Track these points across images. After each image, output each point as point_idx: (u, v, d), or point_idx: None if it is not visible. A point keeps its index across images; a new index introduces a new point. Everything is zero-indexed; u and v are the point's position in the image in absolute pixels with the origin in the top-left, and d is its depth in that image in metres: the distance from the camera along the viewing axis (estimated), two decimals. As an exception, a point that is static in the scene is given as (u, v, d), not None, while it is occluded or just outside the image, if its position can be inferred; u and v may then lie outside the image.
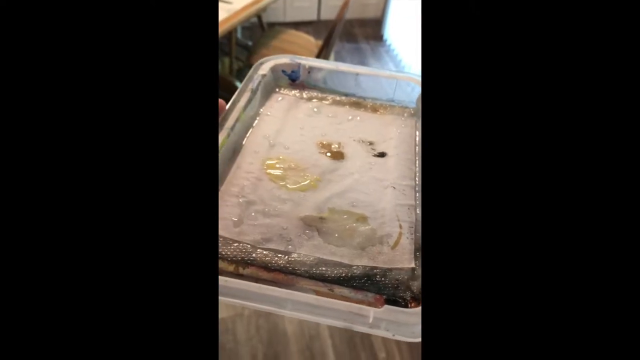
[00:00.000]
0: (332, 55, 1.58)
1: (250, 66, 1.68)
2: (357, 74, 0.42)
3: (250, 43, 1.90)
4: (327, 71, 0.42)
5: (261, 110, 0.40)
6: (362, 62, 2.13)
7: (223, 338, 1.13)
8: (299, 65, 0.42)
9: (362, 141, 0.38)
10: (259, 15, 1.75)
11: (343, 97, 0.42)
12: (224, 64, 1.87)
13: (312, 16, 2.53)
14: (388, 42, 2.42)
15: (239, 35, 2.03)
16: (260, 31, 1.84)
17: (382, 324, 0.22)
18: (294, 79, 0.43)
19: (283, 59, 0.42)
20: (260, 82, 0.40)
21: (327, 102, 0.42)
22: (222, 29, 1.30)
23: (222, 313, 1.17)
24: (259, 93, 0.40)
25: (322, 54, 1.45)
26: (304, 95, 0.42)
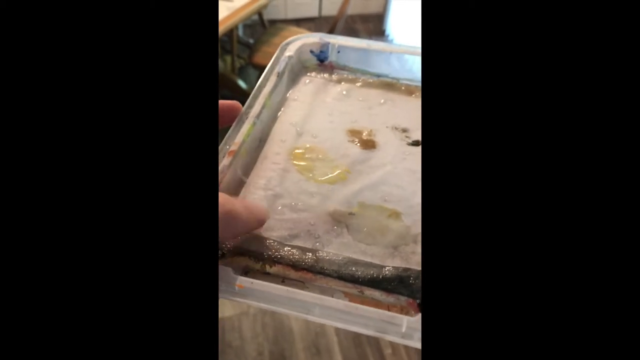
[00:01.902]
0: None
1: (252, 64, 1.67)
2: (390, 53, 0.39)
3: (251, 41, 1.90)
4: (357, 50, 0.39)
5: (288, 94, 0.38)
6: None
7: (229, 336, 1.13)
8: (327, 44, 0.39)
9: (396, 128, 0.35)
10: (260, 13, 1.75)
11: (375, 79, 0.40)
12: (226, 62, 1.87)
13: (313, 12, 2.52)
14: (390, 37, 2.41)
15: (240, 33, 2.03)
16: (261, 29, 1.83)
17: (415, 335, 0.21)
18: (322, 59, 0.40)
19: (311, 38, 0.39)
20: (286, 64, 0.37)
21: (357, 85, 0.39)
22: (224, 27, 1.30)
23: (228, 311, 1.18)
24: (285, 76, 0.37)
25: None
26: (333, 78, 0.40)
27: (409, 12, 2.15)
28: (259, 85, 0.35)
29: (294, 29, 1.68)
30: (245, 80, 1.84)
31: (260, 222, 0.26)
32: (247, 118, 0.31)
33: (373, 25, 2.51)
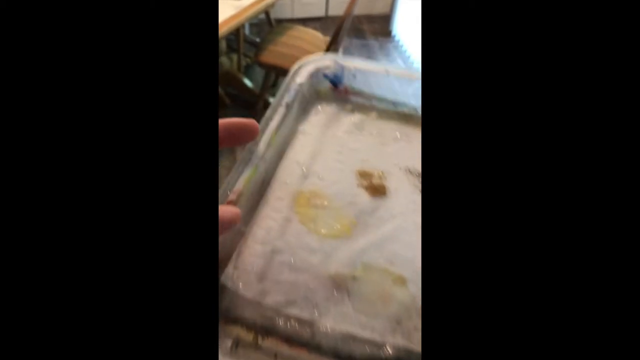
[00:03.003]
0: (340, 52, 1.57)
1: (258, 63, 1.65)
2: (410, 80, 0.36)
3: (258, 39, 1.91)
4: (374, 75, 0.37)
5: (298, 127, 0.35)
6: (370, 59, 2.12)
7: None
8: (342, 67, 0.37)
9: (409, 171, 0.33)
10: (267, 12, 1.75)
11: (390, 107, 0.37)
12: (232, 61, 1.87)
13: (320, 12, 2.52)
14: (397, 38, 2.41)
15: (247, 31, 2.04)
16: (268, 27, 1.84)
17: None
18: (336, 83, 0.37)
19: (325, 61, 0.37)
20: (297, 92, 0.35)
21: (371, 115, 0.37)
22: (230, 25, 1.31)
23: None
24: (295, 107, 0.35)
25: (330, 50, 1.44)
26: (347, 107, 0.37)
27: (416, 13, 2.15)
28: (266, 117, 0.32)
29: (300, 28, 1.68)
30: (251, 79, 1.85)
31: (228, 225, 0.21)
32: (250, 159, 0.29)
33: (379, 25, 2.50)
